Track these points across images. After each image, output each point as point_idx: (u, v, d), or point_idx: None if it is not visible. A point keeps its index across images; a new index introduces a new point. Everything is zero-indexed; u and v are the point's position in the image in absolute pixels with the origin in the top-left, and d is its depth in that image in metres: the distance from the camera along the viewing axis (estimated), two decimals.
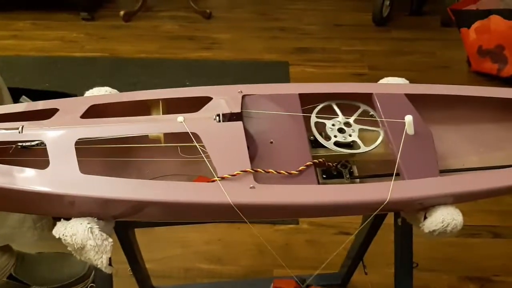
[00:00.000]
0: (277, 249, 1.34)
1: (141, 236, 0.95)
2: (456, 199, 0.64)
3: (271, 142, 0.67)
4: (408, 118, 0.66)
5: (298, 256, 1.33)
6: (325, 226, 1.39)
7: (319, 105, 0.72)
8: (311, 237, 1.37)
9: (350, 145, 0.69)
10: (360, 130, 0.70)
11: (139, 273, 1.00)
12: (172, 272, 1.27)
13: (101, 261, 0.59)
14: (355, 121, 0.71)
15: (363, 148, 0.67)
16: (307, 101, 0.72)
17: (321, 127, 0.70)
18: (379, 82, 0.79)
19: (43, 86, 1.92)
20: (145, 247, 0.99)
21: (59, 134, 0.63)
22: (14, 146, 0.65)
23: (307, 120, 0.70)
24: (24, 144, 0.65)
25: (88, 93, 0.75)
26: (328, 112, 0.72)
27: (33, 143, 0.65)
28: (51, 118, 0.65)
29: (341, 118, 0.71)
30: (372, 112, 0.72)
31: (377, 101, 0.71)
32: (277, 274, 1.28)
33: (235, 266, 1.29)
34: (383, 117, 0.69)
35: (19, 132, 0.63)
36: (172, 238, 1.35)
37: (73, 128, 0.64)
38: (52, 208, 0.63)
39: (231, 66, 2.17)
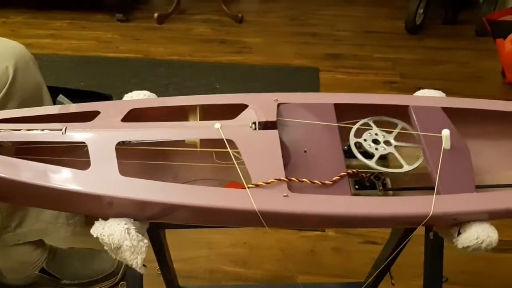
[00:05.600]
0: (302, 256, 1.34)
1: (169, 236, 0.97)
2: (492, 216, 0.63)
3: (305, 151, 0.68)
4: (446, 132, 0.66)
5: (323, 263, 1.32)
6: (352, 234, 1.39)
7: (359, 121, 0.71)
8: (337, 244, 1.37)
9: (385, 157, 0.68)
10: (398, 147, 0.69)
11: (167, 273, 1.01)
12: (198, 273, 1.29)
13: (136, 262, 0.61)
14: (395, 138, 0.70)
15: (405, 167, 0.66)
16: (342, 111, 0.72)
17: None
18: (415, 94, 0.79)
19: (78, 85, 1.96)
20: (172, 247, 1.01)
21: (101, 137, 0.65)
22: None
23: (341, 130, 0.70)
24: None
25: (127, 96, 0.76)
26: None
27: None
28: (93, 121, 0.67)
29: (380, 135, 0.70)
30: (409, 129, 0.71)
31: (413, 114, 0.71)
32: (302, 281, 1.28)
33: (260, 270, 1.30)
34: (419, 130, 0.68)
35: (63, 133, 0.65)
36: (198, 239, 1.37)
37: (114, 131, 0.66)
38: (90, 208, 0.65)
39: (261, 71, 2.19)
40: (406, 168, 0.66)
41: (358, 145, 0.69)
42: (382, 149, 0.68)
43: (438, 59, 2.28)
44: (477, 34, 2.45)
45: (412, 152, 0.69)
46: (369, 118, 0.72)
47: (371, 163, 0.66)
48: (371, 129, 0.70)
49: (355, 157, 0.68)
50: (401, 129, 0.71)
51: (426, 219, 0.59)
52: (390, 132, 0.70)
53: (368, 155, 0.68)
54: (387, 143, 0.69)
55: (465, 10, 2.61)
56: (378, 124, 0.71)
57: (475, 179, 0.65)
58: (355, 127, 0.70)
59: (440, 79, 2.11)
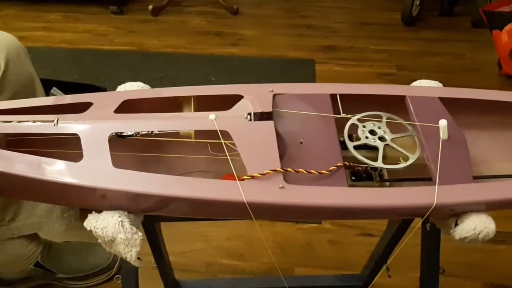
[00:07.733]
0: (299, 248, 1.34)
1: (164, 229, 0.96)
2: (489, 207, 0.63)
3: (301, 142, 0.67)
4: (443, 123, 0.65)
5: (319, 255, 1.32)
6: (348, 226, 1.38)
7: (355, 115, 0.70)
8: (334, 237, 1.37)
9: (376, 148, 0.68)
10: (394, 139, 0.68)
11: (163, 266, 1.01)
12: (194, 266, 1.29)
13: (130, 255, 0.60)
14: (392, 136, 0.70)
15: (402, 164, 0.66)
16: (339, 101, 0.71)
17: (352, 129, 0.69)
18: (411, 84, 0.78)
19: (72, 78, 1.95)
20: (168, 240, 1.00)
21: (93, 128, 0.64)
22: None
23: (337, 120, 0.70)
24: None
25: (120, 88, 0.75)
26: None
27: None
28: (85, 112, 0.66)
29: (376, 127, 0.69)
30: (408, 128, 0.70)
31: (410, 104, 0.70)
32: (299, 273, 1.28)
33: (257, 262, 1.30)
34: (416, 120, 0.68)
35: (54, 125, 0.64)
36: (195, 232, 1.36)
37: (107, 123, 0.65)
38: (84, 201, 0.64)
39: (256, 63, 2.17)
40: (403, 164, 0.65)
41: (355, 137, 0.69)
42: (379, 142, 0.68)
43: (435, 51, 2.27)
44: (474, 26, 2.45)
45: (407, 142, 0.68)
46: (366, 113, 0.71)
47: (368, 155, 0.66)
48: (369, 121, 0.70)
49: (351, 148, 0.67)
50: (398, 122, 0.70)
51: (430, 210, 0.58)
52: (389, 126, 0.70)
53: (365, 147, 0.68)
54: (382, 138, 0.68)
55: (462, 1, 2.60)
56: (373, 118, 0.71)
57: (472, 170, 0.65)
58: (349, 122, 0.69)
59: (436, 71, 2.11)
